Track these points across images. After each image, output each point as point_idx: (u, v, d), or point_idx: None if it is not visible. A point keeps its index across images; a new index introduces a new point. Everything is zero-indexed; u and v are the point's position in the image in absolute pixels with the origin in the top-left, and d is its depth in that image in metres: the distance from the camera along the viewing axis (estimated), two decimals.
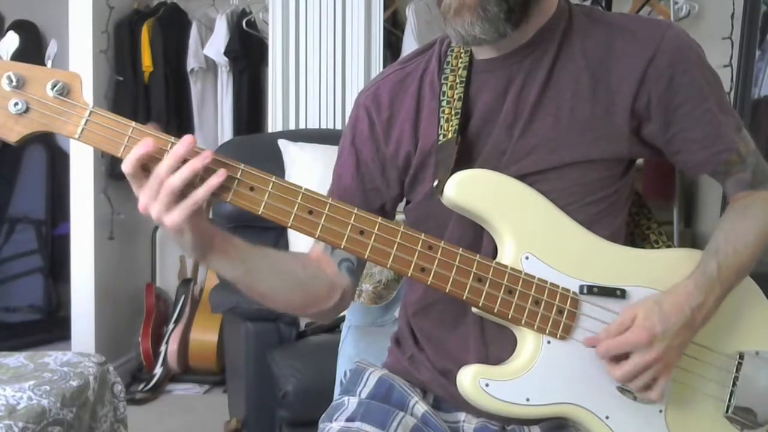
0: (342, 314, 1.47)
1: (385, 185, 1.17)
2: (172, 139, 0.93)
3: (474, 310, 1.05)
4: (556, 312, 1.03)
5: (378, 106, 1.17)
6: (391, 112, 1.16)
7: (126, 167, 0.92)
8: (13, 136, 0.93)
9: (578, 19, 1.11)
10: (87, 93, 3.41)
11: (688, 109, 1.07)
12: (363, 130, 1.17)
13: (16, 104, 0.92)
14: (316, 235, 0.98)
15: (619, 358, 1.02)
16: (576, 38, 1.09)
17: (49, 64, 0.97)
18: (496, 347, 1.07)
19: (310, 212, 0.98)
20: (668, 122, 1.07)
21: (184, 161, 0.91)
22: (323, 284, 1.13)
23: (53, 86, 0.92)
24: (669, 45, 1.05)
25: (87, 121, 0.93)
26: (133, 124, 0.93)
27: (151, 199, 0.92)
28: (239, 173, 0.95)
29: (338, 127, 3.20)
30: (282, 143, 2.64)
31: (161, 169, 0.91)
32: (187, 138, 0.92)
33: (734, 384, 1.09)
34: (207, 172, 0.93)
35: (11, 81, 0.92)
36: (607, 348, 1.02)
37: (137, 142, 0.93)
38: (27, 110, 0.92)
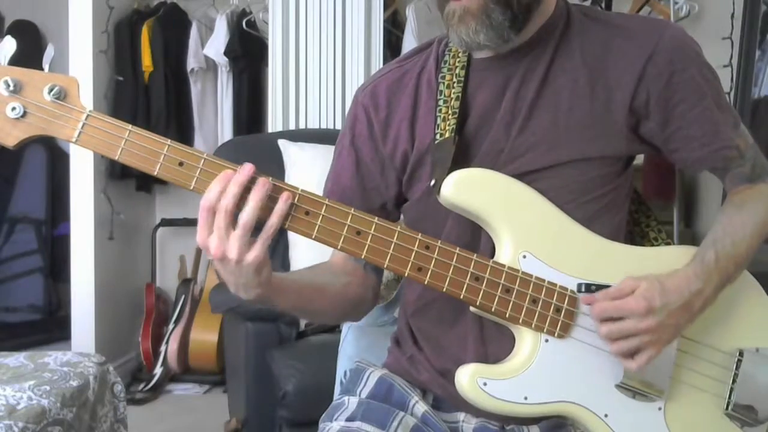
0: None
1: (384, 185, 1.17)
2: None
3: (472, 309, 1.05)
4: (554, 310, 1.03)
5: (376, 105, 1.17)
6: (389, 111, 1.16)
7: (223, 201, 0.91)
8: (10, 141, 0.94)
9: (576, 19, 1.11)
10: (87, 93, 3.42)
11: (687, 107, 1.07)
12: (362, 130, 1.18)
13: (13, 108, 0.92)
14: (313, 236, 0.98)
15: (610, 321, 1.01)
16: (574, 37, 1.10)
17: (46, 68, 0.98)
18: (494, 346, 1.07)
19: (307, 213, 0.98)
20: (667, 120, 1.08)
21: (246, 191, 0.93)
22: (358, 287, 1.17)
23: (50, 90, 0.93)
24: (667, 43, 1.06)
25: (84, 124, 0.94)
26: (130, 127, 0.94)
27: (223, 238, 0.91)
28: None
29: (338, 127, 3.20)
30: (282, 143, 2.64)
31: (225, 201, 0.91)
32: (247, 166, 0.93)
33: (734, 381, 1.09)
34: (271, 200, 0.94)
35: (8, 85, 0.92)
36: (603, 308, 1.01)
37: (136, 146, 0.93)
38: (24, 114, 0.93)
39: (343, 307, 1.17)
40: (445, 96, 1.11)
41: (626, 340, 1.01)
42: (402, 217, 1.20)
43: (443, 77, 1.13)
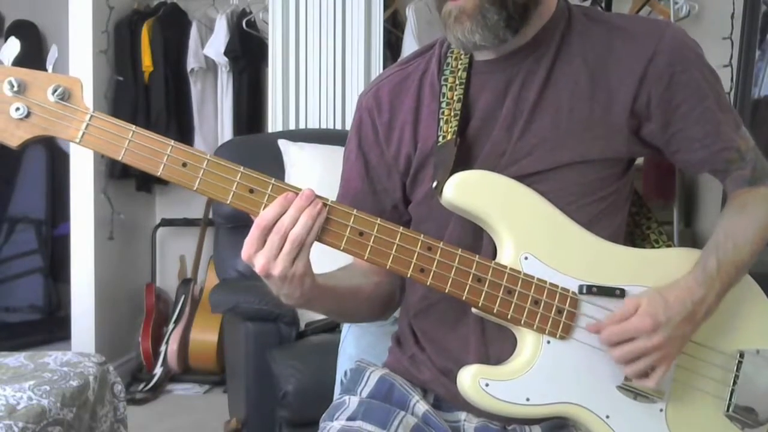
0: None
1: (392, 187, 1.18)
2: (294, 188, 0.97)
3: (473, 310, 1.05)
4: (555, 312, 1.03)
5: (379, 108, 1.18)
6: (392, 114, 1.17)
7: (280, 222, 0.94)
8: (14, 141, 0.94)
9: (577, 20, 1.11)
10: (87, 93, 3.41)
11: (688, 108, 1.07)
12: (368, 134, 1.19)
13: (17, 109, 0.93)
14: (316, 237, 0.98)
15: (620, 344, 1.02)
16: (575, 39, 1.10)
17: (50, 69, 0.98)
18: (496, 347, 1.08)
19: None
20: (668, 121, 1.08)
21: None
22: (387, 285, 1.19)
23: (54, 91, 0.94)
24: (668, 45, 1.06)
25: (87, 125, 0.94)
26: (133, 128, 0.95)
27: (272, 257, 0.94)
28: (239, 176, 0.96)
29: (338, 127, 3.20)
30: (282, 143, 2.64)
31: (285, 223, 0.94)
32: (307, 191, 0.96)
33: (735, 383, 1.09)
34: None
35: (12, 86, 0.93)
36: (610, 334, 1.02)
37: (140, 147, 0.94)
38: (28, 115, 0.94)
39: (375, 307, 1.20)
40: (447, 98, 1.11)
41: (640, 360, 1.01)
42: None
43: (446, 79, 1.13)
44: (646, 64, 1.06)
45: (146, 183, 3.82)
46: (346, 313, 1.21)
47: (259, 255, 0.95)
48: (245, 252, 0.95)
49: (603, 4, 3.15)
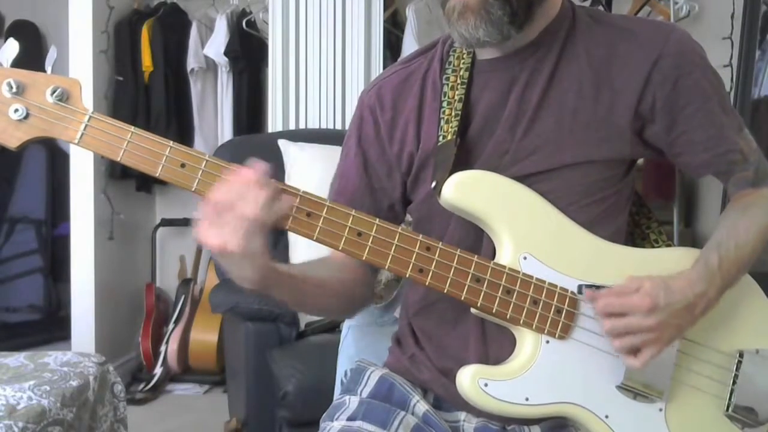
0: None
1: (391, 186, 1.18)
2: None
3: (473, 310, 1.05)
4: (554, 312, 1.03)
5: (382, 106, 1.18)
6: (395, 113, 1.17)
7: (228, 196, 0.91)
8: (13, 142, 0.94)
9: (582, 20, 1.11)
10: (87, 93, 3.43)
11: (692, 110, 1.07)
12: (368, 132, 1.18)
13: (16, 110, 0.93)
14: (314, 238, 0.98)
15: (614, 316, 1.01)
16: (579, 39, 1.10)
17: (49, 70, 0.98)
18: (496, 347, 1.08)
19: (308, 215, 0.98)
20: (672, 124, 1.08)
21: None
22: (356, 282, 1.17)
23: (53, 92, 0.94)
24: (673, 47, 1.06)
25: (86, 126, 0.94)
26: (132, 128, 0.95)
27: (225, 234, 0.90)
28: None
29: (338, 127, 3.20)
30: (282, 143, 2.64)
31: (237, 200, 0.91)
32: (256, 166, 0.93)
33: (734, 382, 1.09)
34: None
35: (11, 87, 0.93)
36: (607, 304, 1.01)
37: (138, 147, 0.94)
38: (27, 116, 0.94)
39: (340, 303, 1.18)
40: (448, 98, 1.11)
41: (629, 336, 1.01)
42: (409, 217, 1.20)
43: (447, 78, 1.13)
44: (651, 66, 1.06)
45: (146, 183, 3.82)
46: (311, 305, 1.17)
47: (211, 231, 0.91)
48: (198, 229, 0.91)
49: (603, 4, 3.15)
